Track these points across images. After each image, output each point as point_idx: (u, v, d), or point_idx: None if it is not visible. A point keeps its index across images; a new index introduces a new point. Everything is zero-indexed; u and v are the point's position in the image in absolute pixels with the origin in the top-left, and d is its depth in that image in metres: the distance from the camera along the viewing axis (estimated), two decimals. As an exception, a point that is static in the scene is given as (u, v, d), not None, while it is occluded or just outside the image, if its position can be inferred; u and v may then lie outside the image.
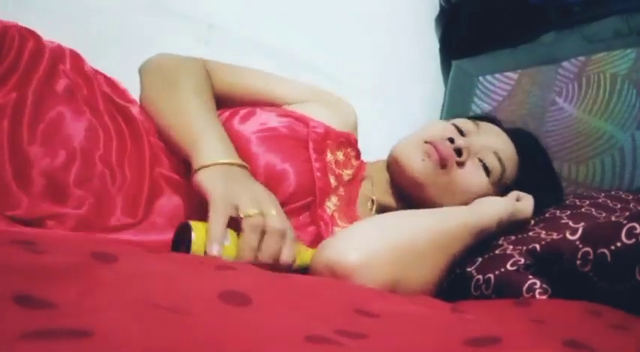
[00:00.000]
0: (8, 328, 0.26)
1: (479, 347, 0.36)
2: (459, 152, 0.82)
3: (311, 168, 0.76)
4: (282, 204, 0.68)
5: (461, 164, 0.82)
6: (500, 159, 0.84)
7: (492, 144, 0.85)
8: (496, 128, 0.91)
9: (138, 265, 0.40)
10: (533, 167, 0.89)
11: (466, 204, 0.80)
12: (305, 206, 0.74)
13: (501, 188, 0.85)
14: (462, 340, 0.37)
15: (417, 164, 0.82)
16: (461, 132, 0.85)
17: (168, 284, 0.37)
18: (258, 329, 0.33)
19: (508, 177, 0.85)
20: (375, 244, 0.63)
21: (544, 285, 0.58)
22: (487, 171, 0.83)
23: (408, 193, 0.84)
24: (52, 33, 0.86)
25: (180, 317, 0.32)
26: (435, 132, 0.85)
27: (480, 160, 0.83)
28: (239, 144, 0.74)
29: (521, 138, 0.91)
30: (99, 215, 0.63)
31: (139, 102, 0.79)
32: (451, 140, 0.82)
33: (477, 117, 0.95)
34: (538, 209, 0.84)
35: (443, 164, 0.81)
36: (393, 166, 0.84)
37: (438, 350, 0.36)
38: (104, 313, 0.30)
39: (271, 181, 0.72)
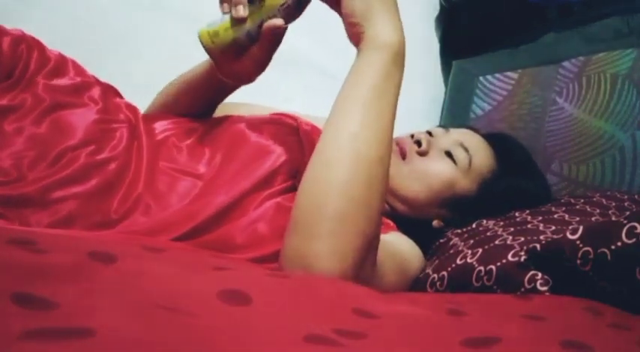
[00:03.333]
0: (7, 327, 0.26)
1: (478, 347, 0.36)
2: (419, 143, 0.86)
3: (302, 148, 0.77)
4: (271, 177, 0.70)
5: (422, 153, 0.86)
6: (466, 149, 0.87)
7: (458, 138, 0.89)
8: (465, 129, 0.95)
9: (137, 265, 0.40)
10: (513, 160, 0.92)
11: (433, 191, 0.84)
12: (292, 187, 0.74)
13: (478, 178, 0.88)
14: (460, 340, 0.37)
15: None
16: (430, 135, 0.90)
17: (168, 283, 0.37)
18: (256, 328, 0.33)
19: (479, 165, 0.88)
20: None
21: (545, 276, 0.58)
22: (453, 160, 0.86)
23: None
24: (53, 32, 0.86)
25: (180, 317, 0.32)
26: (403, 134, 0.90)
27: (446, 152, 0.87)
28: (232, 125, 0.78)
29: (497, 137, 0.96)
30: (103, 198, 0.66)
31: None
32: (412, 136, 0.88)
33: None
34: (528, 201, 0.87)
35: (403, 155, 0.86)
36: None
37: (437, 350, 0.36)
38: (104, 313, 0.30)
39: (260, 153, 0.73)
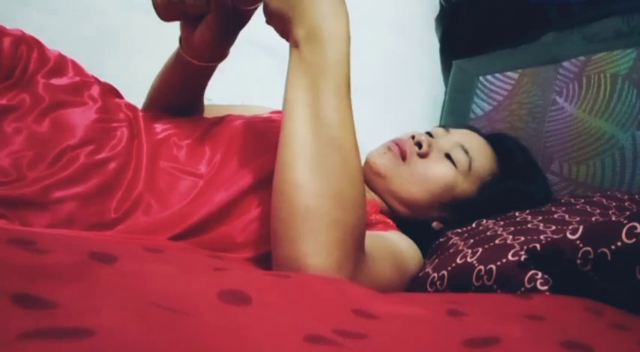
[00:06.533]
0: (7, 328, 0.26)
1: (477, 347, 0.36)
2: (419, 145, 0.87)
3: None
4: (271, 175, 0.69)
5: (422, 156, 0.87)
6: (466, 151, 0.87)
7: (459, 140, 0.89)
8: (466, 129, 0.95)
9: (137, 265, 0.40)
10: (514, 162, 0.92)
11: (433, 194, 0.84)
12: None
13: (478, 181, 0.88)
14: (460, 341, 0.36)
15: (379, 158, 0.88)
16: (431, 136, 0.90)
17: (168, 284, 0.37)
18: (256, 328, 0.33)
19: (480, 168, 0.88)
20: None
21: (545, 276, 0.58)
22: (453, 163, 0.86)
23: (376, 189, 0.88)
24: (53, 32, 0.86)
25: (180, 317, 0.32)
26: (402, 136, 0.91)
27: (446, 154, 0.87)
28: (232, 124, 0.78)
29: (498, 138, 0.96)
30: (103, 198, 0.66)
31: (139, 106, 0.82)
32: (413, 137, 0.88)
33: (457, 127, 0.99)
34: (528, 203, 0.87)
35: (403, 156, 0.86)
36: (364, 168, 0.89)
37: (437, 350, 0.36)
38: (104, 313, 0.30)
39: (261, 151, 0.73)
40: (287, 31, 0.60)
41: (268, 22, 0.62)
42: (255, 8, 0.69)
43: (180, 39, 0.78)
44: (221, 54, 0.77)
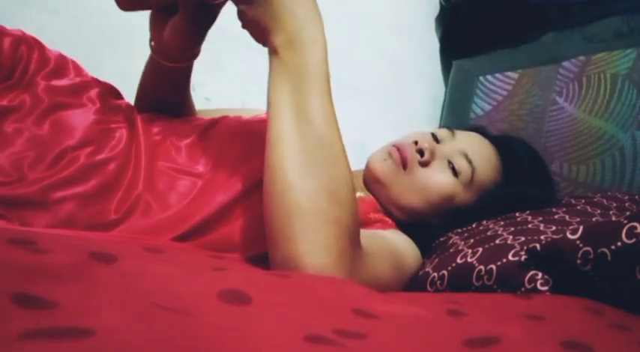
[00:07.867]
0: (7, 328, 0.26)
1: (477, 347, 0.36)
2: (421, 153, 0.84)
3: None
4: None
5: (424, 164, 0.84)
6: (470, 161, 0.84)
7: (463, 147, 0.86)
8: (473, 134, 0.92)
9: (137, 265, 0.40)
10: (520, 169, 0.90)
11: (432, 204, 0.83)
12: None
13: (479, 190, 0.86)
14: (460, 341, 0.36)
15: (379, 164, 0.86)
16: (436, 140, 0.88)
17: (168, 284, 0.37)
18: (256, 328, 0.33)
19: (482, 177, 0.86)
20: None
21: (545, 276, 0.58)
22: (455, 172, 0.84)
23: (375, 194, 0.87)
24: (53, 32, 0.86)
25: (180, 317, 0.32)
26: (405, 138, 0.88)
27: (449, 162, 0.84)
28: (230, 124, 0.78)
29: (506, 143, 0.93)
30: (103, 198, 0.66)
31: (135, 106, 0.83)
32: (416, 143, 0.85)
33: (465, 128, 0.96)
34: (530, 207, 0.86)
35: (404, 164, 0.84)
36: (364, 171, 0.88)
37: (437, 350, 0.36)
38: (104, 313, 0.30)
39: (259, 151, 0.73)
40: (264, 37, 0.60)
41: (244, 27, 0.63)
42: (223, 3, 0.68)
43: (150, 40, 0.78)
44: (191, 54, 0.77)
